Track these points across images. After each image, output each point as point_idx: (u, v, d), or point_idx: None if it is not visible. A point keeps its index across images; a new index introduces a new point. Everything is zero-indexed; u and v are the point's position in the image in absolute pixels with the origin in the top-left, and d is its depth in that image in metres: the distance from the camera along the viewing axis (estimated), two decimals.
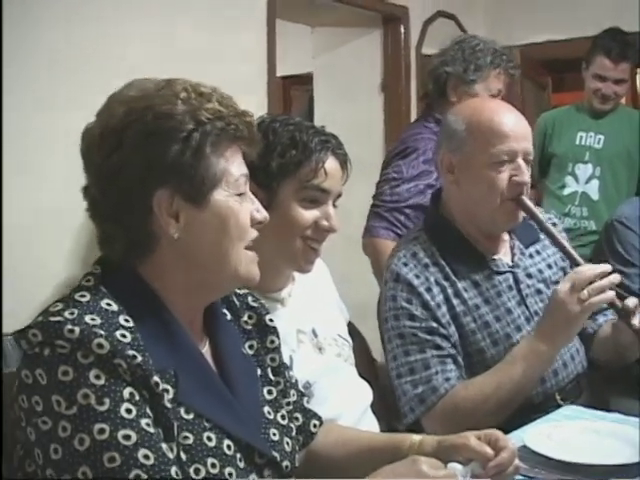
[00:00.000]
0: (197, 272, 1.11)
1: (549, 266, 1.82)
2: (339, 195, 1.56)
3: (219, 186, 1.09)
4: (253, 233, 1.14)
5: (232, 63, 2.57)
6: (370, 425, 1.63)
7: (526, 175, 1.67)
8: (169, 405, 1.03)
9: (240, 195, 1.12)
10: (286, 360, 1.38)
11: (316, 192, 1.51)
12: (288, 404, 1.29)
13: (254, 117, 1.14)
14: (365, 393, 1.68)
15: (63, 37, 2.09)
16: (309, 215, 1.51)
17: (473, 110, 1.73)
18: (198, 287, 1.12)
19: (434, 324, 1.64)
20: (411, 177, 2.49)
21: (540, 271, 1.80)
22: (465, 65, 2.51)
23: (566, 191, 3.21)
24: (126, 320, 1.03)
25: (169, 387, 1.04)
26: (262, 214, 1.16)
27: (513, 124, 1.68)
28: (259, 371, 1.25)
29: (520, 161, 1.67)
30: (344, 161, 1.55)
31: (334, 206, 1.55)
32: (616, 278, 1.56)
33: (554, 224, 1.86)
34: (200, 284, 1.12)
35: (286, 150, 1.49)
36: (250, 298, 1.30)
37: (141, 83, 1.10)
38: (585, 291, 1.53)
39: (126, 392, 0.99)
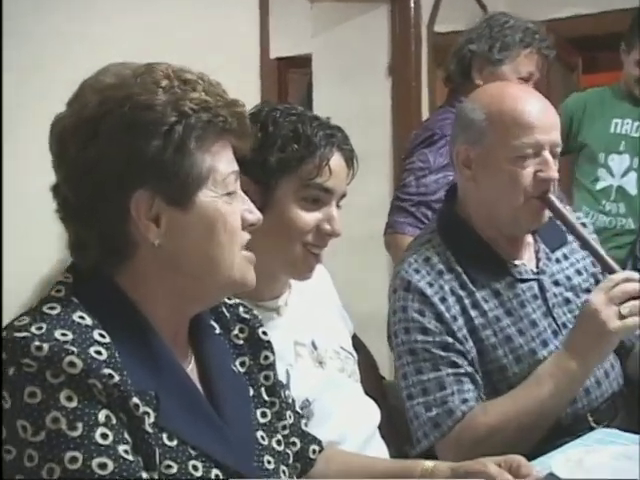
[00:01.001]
0: (181, 281, 1.11)
1: (578, 272, 1.82)
2: (343, 195, 1.56)
3: (205, 186, 1.09)
4: (245, 236, 1.14)
5: (219, 43, 2.57)
6: (377, 450, 1.63)
7: (553, 170, 1.67)
8: (150, 430, 1.03)
9: (229, 194, 1.11)
10: (282, 376, 1.39)
11: (319, 192, 1.52)
12: (284, 427, 1.29)
13: (245, 107, 1.14)
14: (372, 413, 1.68)
15: (51, 27, 2.11)
16: (310, 218, 1.52)
17: (493, 97, 1.73)
18: (183, 297, 1.12)
19: (449, 339, 1.64)
20: (439, 167, 2.50)
21: (568, 278, 1.79)
22: (491, 43, 2.52)
23: (599, 185, 3.19)
24: (101, 335, 1.03)
25: (150, 410, 1.04)
26: (255, 215, 1.16)
27: (538, 113, 1.68)
28: (251, 391, 1.25)
29: (546, 154, 1.67)
30: (350, 157, 1.56)
31: (338, 207, 1.55)
32: None
33: (583, 224, 1.86)
34: (185, 294, 1.12)
35: (287, 144, 1.50)
36: (241, 309, 1.31)
37: (117, 69, 1.10)
38: (627, 306, 1.53)
39: (101, 415, 0.99)
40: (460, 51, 2.59)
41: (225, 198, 1.11)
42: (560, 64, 4.35)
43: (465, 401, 1.62)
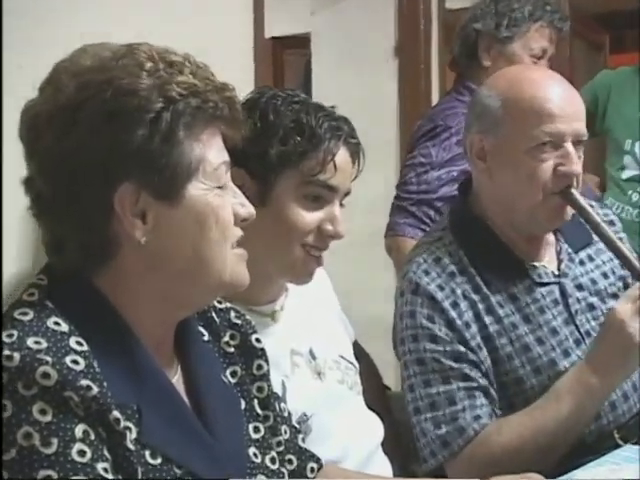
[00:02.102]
0: (168, 282, 1.11)
1: (605, 275, 1.82)
2: (347, 193, 1.57)
3: (195, 178, 1.09)
4: (237, 232, 1.15)
5: (209, 22, 2.57)
6: (380, 468, 1.64)
7: (576, 164, 1.67)
8: (132, 447, 1.03)
9: (220, 187, 1.12)
10: (277, 388, 1.39)
11: (321, 189, 1.52)
12: (279, 444, 1.30)
13: (236, 91, 1.15)
14: (374, 428, 1.69)
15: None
16: (311, 218, 1.52)
17: (510, 82, 1.74)
18: (169, 300, 1.13)
19: (461, 348, 1.65)
20: (442, 162, 2.50)
21: (593, 281, 1.80)
22: (497, 19, 2.52)
23: (625, 174, 3.19)
24: (78, 343, 1.03)
25: (131, 425, 1.04)
26: (247, 209, 1.16)
27: (560, 100, 1.68)
28: (243, 403, 1.25)
29: (568, 146, 1.67)
30: (356, 152, 1.56)
31: (341, 205, 1.56)
32: None
33: (612, 222, 1.87)
34: (172, 296, 1.13)
35: (289, 136, 1.50)
36: (233, 313, 1.31)
37: (95, 50, 1.10)
38: None
39: (78, 430, 0.99)
40: (464, 30, 2.59)
41: (216, 191, 1.11)
42: (585, 43, 4.35)
43: (477, 418, 1.62)
